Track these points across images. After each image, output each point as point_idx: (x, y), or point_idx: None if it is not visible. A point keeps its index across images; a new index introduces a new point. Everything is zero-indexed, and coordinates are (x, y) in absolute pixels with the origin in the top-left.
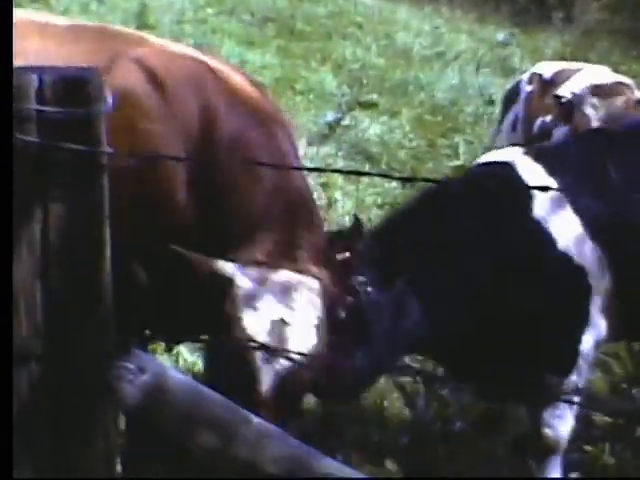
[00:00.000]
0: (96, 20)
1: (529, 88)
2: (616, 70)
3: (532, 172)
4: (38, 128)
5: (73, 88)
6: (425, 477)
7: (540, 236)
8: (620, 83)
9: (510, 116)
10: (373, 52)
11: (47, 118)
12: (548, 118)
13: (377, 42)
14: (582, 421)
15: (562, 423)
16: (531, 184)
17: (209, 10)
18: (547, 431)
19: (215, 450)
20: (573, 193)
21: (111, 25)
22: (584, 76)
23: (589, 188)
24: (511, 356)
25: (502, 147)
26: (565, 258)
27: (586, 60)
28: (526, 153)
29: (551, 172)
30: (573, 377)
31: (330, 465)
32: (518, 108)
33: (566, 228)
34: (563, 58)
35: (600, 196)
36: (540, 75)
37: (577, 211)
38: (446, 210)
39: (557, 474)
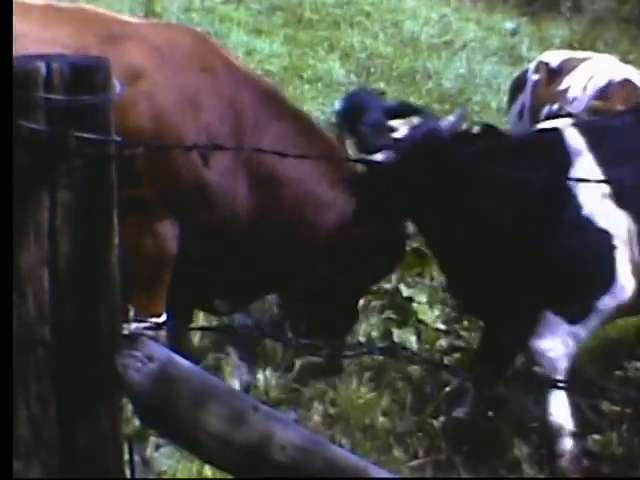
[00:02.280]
0: (104, 8)
1: (536, 77)
2: (624, 59)
3: (574, 143)
4: (46, 116)
5: (81, 76)
6: (424, 477)
7: (570, 200)
8: (626, 82)
9: (517, 105)
10: (381, 40)
11: (55, 106)
12: (555, 107)
13: (385, 31)
14: (591, 410)
15: (555, 355)
16: (572, 149)
17: None
18: (536, 368)
19: (223, 437)
20: (609, 164)
21: (87, 6)
22: (590, 67)
23: (627, 160)
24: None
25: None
26: (588, 223)
27: (594, 49)
28: (573, 124)
29: (590, 145)
30: (578, 326)
31: (338, 453)
32: (525, 97)
33: (596, 195)
34: (571, 47)
35: (636, 166)
36: (547, 64)
37: (610, 182)
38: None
39: (563, 408)
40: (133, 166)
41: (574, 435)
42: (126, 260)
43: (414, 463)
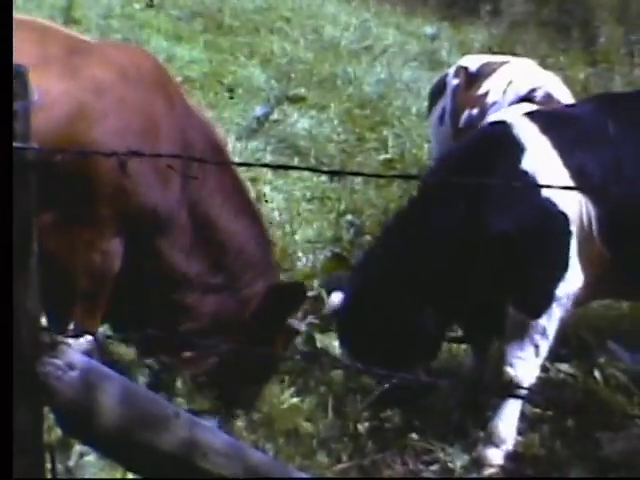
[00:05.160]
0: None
1: (455, 81)
2: (543, 63)
3: (526, 130)
4: None
5: None
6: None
7: (526, 184)
8: (549, 97)
9: (437, 109)
10: (301, 46)
11: None
12: (475, 111)
13: (305, 36)
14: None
15: (524, 364)
16: (524, 141)
17: (136, 5)
18: (508, 369)
19: (146, 445)
20: (566, 149)
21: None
22: (509, 71)
23: (584, 145)
24: (487, 293)
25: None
26: (548, 204)
27: (513, 52)
28: (525, 114)
29: (544, 130)
30: (543, 320)
31: (262, 459)
32: (445, 101)
33: (552, 179)
34: (491, 51)
35: (595, 151)
36: (466, 68)
37: (567, 165)
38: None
39: (514, 417)
40: (92, 183)
41: (508, 455)
42: (72, 274)
43: (338, 467)
